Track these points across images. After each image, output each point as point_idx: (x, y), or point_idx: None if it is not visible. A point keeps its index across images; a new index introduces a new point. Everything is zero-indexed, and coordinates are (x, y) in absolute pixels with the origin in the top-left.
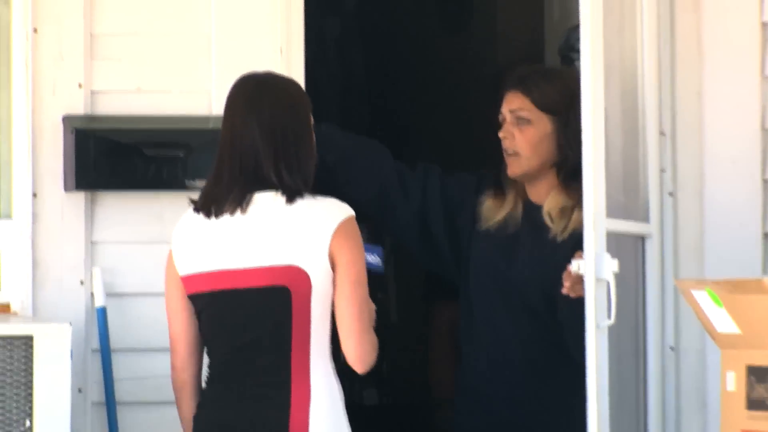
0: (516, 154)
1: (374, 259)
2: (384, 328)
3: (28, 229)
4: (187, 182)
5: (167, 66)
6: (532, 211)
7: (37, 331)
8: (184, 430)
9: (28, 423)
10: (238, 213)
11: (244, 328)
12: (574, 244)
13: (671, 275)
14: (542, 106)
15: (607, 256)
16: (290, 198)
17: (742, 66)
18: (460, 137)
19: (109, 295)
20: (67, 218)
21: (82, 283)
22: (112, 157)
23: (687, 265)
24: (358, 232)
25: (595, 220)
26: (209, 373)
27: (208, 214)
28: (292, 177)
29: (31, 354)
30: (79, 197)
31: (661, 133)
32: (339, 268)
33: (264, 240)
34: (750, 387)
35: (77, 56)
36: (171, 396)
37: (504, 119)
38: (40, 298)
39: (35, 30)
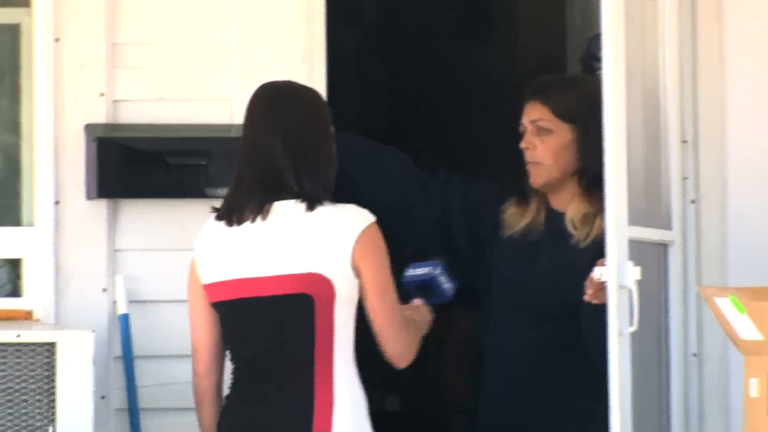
0: (538, 163)
1: (449, 287)
2: None
3: (51, 236)
4: (209, 190)
5: (189, 75)
6: (555, 218)
7: (60, 338)
8: None
9: (51, 430)
10: (259, 220)
11: (267, 336)
12: (597, 251)
13: (694, 282)
14: (562, 115)
15: (629, 264)
16: (310, 205)
17: (764, 74)
18: (481, 146)
19: (132, 302)
20: (90, 226)
21: (104, 290)
22: (133, 165)
23: (709, 273)
24: (381, 238)
25: (618, 227)
26: (233, 380)
27: (229, 222)
28: (312, 184)
29: (54, 361)
30: (101, 205)
31: (684, 141)
32: (364, 277)
33: (286, 248)
34: None
35: (99, 65)
36: (193, 402)
37: (525, 130)
38: (62, 305)
39: (57, 39)
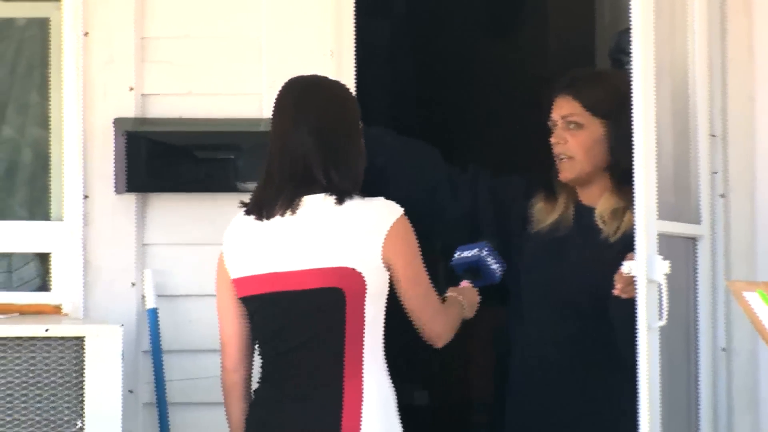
0: (569, 158)
1: (497, 268)
2: None
3: (80, 231)
4: (238, 184)
5: (218, 69)
6: (584, 213)
7: (89, 332)
8: (231, 430)
9: (79, 424)
10: (289, 215)
11: (298, 330)
12: (625, 245)
13: (722, 277)
14: (593, 109)
15: (658, 258)
16: (340, 199)
17: None
18: (510, 141)
19: (160, 296)
20: (118, 220)
21: (133, 284)
22: (162, 159)
23: (738, 267)
24: (411, 229)
25: (647, 221)
26: (261, 374)
27: (259, 217)
28: (341, 178)
29: (83, 355)
30: (130, 199)
31: (713, 135)
32: (396, 269)
33: (316, 241)
34: None
35: (128, 59)
36: (222, 397)
37: (555, 124)
38: (91, 299)
39: (86, 34)
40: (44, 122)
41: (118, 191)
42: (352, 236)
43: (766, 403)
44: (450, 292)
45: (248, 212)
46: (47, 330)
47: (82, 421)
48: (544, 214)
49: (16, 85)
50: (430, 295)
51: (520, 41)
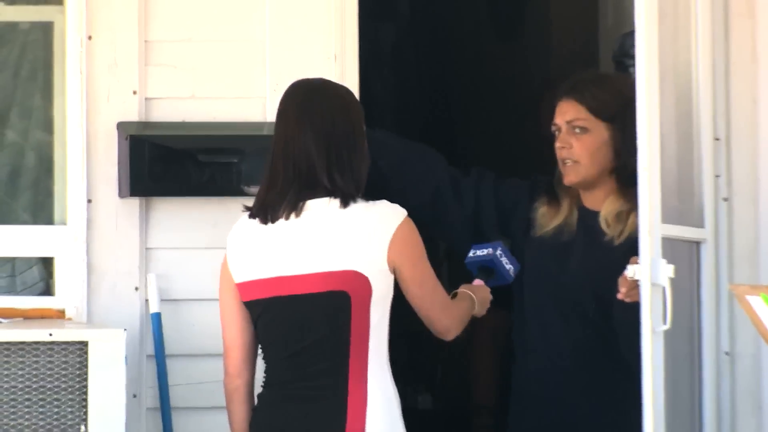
0: (574, 162)
1: (510, 269)
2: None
3: (83, 235)
4: (242, 188)
5: (221, 72)
6: (587, 217)
7: (92, 336)
8: None
9: (83, 428)
10: (293, 218)
11: (303, 334)
12: (630, 249)
13: (726, 280)
14: (598, 113)
15: (662, 262)
16: (344, 202)
17: None
18: (513, 144)
19: (164, 300)
20: (122, 224)
21: (136, 289)
22: (166, 163)
23: (741, 270)
24: (415, 231)
25: (651, 225)
26: (266, 378)
27: (263, 220)
28: (344, 181)
29: (86, 360)
30: (134, 203)
31: (716, 139)
32: (402, 272)
33: (321, 245)
34: None
35: (131, 63)
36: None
37: (559, 129)
38: (94, 303)
39: (90, 37)
40: (48, 126)
41: (121, 195)
42: (357, 240)
43: None
44: (461, 289)
45: (252, 216)
46: (51, 334)
47: (86, 426)
48: (548, 219)
49: (19, 89)
50: (438, 293)
51: (523, 44)
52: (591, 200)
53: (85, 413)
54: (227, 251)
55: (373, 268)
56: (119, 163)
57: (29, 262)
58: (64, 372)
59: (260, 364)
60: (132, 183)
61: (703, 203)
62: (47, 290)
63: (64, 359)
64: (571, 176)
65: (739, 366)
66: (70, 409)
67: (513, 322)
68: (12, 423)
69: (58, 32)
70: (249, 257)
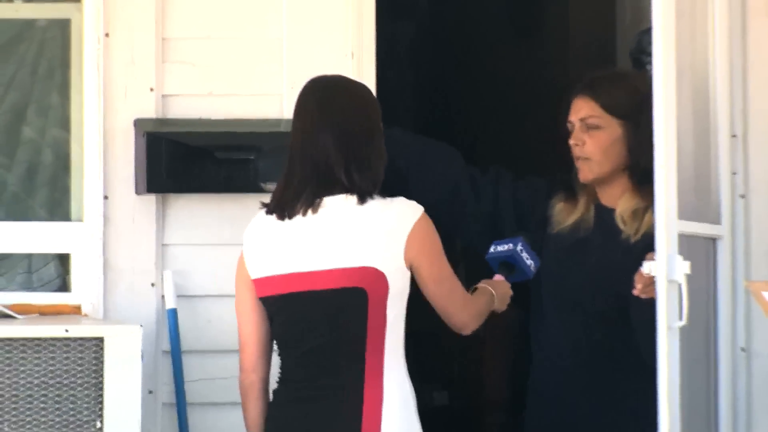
0: (587, 159)
1: (531, 264)
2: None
3: (100, 231)
4: (258, 185)
5: (238, 69)
6: (604, 214)
7: (108, 332)
8: (248, 430)
9: (98, 424)
10: (310, 214)
11: (319, 330)
12: (646, 245)
13: (742, 277)
14: (612, 110)
15: (679, 258)
16: (361, 199)
17: None
18: (532, 141)
19: (180, 297)
20: (138, 221)
21: (153, 285)
22: (183, 160)
23: (758, 267)
24: (432, 228)
25: (667, 222)
26: (281, 375)
27: (280, 216)
28: (362, 178)
29: (102, 356)
30: (150, 200)
31: (733, 136)
32: (419, 269)
33: (338, 241)
34: None
35: (149, 60)
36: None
37: (573, 126)
38: (110, 300)
39: (107, 35)
40: (65, 123)
41: (138, 192)
42: (374, 236)
43: None
44: (481, 284)
45: (269, 212)
46: (67, 330)
47: (102, 422)
48: (565, 215)
49: (37, 87)
50: (456, 290)
51: (541, 41)
52: (607, 197)
53: (101, 409)
54: (244, 247)
55: (390, 264)
56: (136, 160)
57: (46, 258)
58: (79, 368)
59: (275, 361)
60: (149, 180)
61: (719, 200)
62: (63, 287)
63: (80, 355)
64: (585, 173)
65: (755, 363)
66: (85, 405)
67: (527, 320)
68: (28, 419)
69: (76, 29)
70: (265, 253)
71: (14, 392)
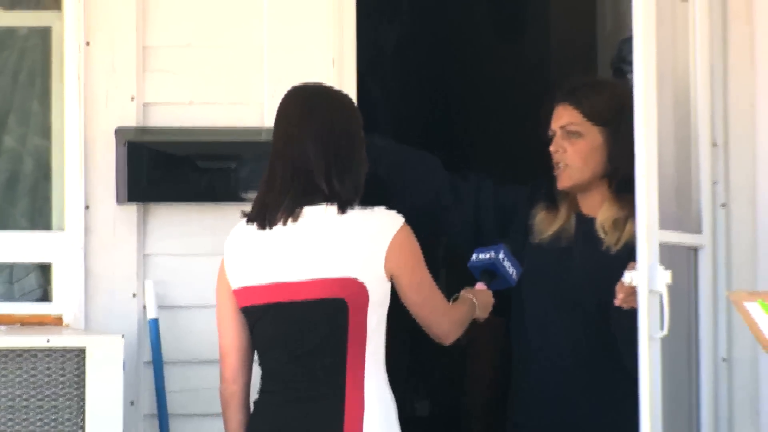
0: (567, 166)
1: (513, 272)
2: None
3: (81, 241)
4: (239, 194)
5: (219, 78)
6: (585, 223)
7: (90, 343)
8: None
9: None
10: (291, 224)
11: (300, 340)
12: (628, 255)
13: (724, 286)
14: (592, 117)
15: (660, 268)
16: (341, 208)
17: None
18: (513, 148)
19: (162, 307)
20: (120, 230)
21: (134, 295)
22: (164, 169)
23: (740, 277)
24: (413, 237)
25: (648, 231)
26: (262, 385)
27: (261, 226)
28: (343, 186)
29: (84, 366)
30: (132, 209)
31: (714, 145)
32: (400, 278)
33: (318, 252)
34: None
35: (129, 69)
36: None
37: (553, 134)
38: (92, 310)
39: (88, 43)
40: (45, 132)
41: (119, 201)
42: (354, 247)
43: (766, 413)
44: (463, 292)
45: (250, 220)
46: (48, 341)
47: None
48: (546, 225)
49: (17, 95)
50: (437, 299)
51: (521, 49)
52: (587, 206)
53: (83, 420)
54: (224, 257)
55: (370, 274)
56: (117, 169)
57: (27, 268)
58: (61, 378)
59: (256, 371)
60: (130, 189)
61: (700, 209)
62: (45, 296)
63: (61, 366)
64: (564, 180)
65: (736, 372)
66: (67, 416)
67: (510, 329)
68: (9, 430)
69: (56, 38)
70: (246, 263)
71: None
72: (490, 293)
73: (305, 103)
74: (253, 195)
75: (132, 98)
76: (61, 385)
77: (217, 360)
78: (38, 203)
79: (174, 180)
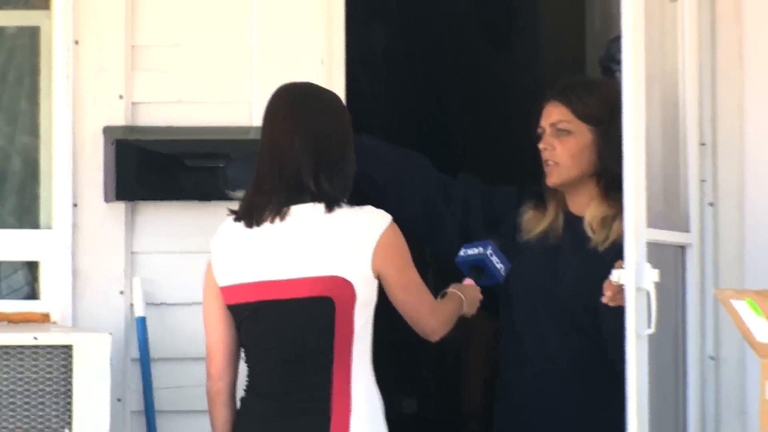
0: (555, 163)
1: (501, 268)
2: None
3: (69, 239)
4: (228, 193)
5: (208, 77)
6: (573, 222)
7: (77, 340)
8: None
9: None
10: (278, 222)
11: (286, 339)
12: (616, 254)
13: (711, 285)
14: (583, 116)
15: (647, 266)
16: (329, 207)
17: None
18: (502, 148)
19: (149, 304)
20: (108, 228)
21: (122, 293)
22: (152, 167)
23: (727, 275)
24: (400, 236)
25: (636, 230)
26: (248, 382)
27: (248, 224)
28: (331, 185)
29: (71, 363)
30: (120, 208)
31: (702, 144)
32: (387, 277)
33: (306, 250)
34: None
35: (118, 68)
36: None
37: (543, 131)
38: (79, 307)
39: (76, 42)
40: (34, 130)
41: (107, 199)
42: (342, 245)
43: (753, 412)
44: (451, 289)
45: (238, 219)
46: (35, 338)
47: (70, 430)
48: (534, 223)
49: (5, 94)
50: (424, 297)
51: (510, 49)
52: (576, 205)
53: (70, 417)
54: (212, 254)
55: (357, 273)
56: (105, 167)
57: (14, 266)
58: (48, 376)
59: (242, 368)
60: (118, 187)
61: (688, 208)
62: (32, 294)
63: (48, 363)
64: (552, 177)
65: (723, 370)
66: (54, 413)
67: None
68: None
69: (45, 37)
70: (233, 261)
71: None
72: (477, 289)
73: (293, 102)
74: (241, 193)
75: (120, 97)
76: (48, 383)
77: (204, 357)
78: (26, 201)
79: (162, 178)
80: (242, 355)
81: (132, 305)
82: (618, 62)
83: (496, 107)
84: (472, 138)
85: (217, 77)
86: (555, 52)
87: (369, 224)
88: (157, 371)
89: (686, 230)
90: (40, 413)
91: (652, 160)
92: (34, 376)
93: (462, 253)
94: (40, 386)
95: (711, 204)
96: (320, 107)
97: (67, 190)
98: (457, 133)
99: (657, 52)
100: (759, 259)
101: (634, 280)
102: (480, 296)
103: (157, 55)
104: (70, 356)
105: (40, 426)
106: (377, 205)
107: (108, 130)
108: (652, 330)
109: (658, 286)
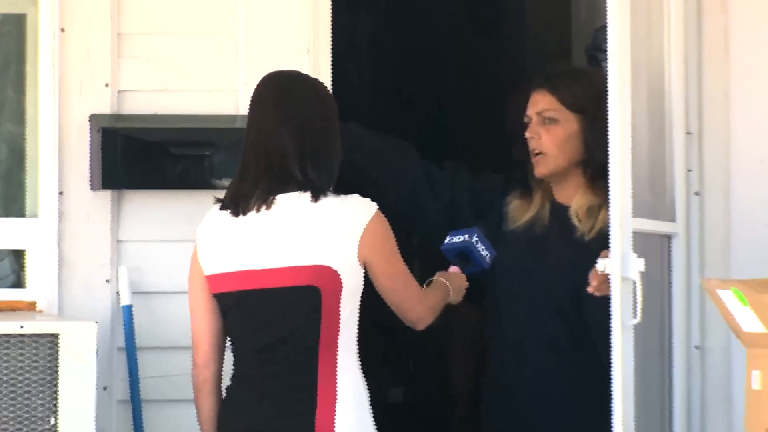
0: (543, 153)
1: (486, 255)
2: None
3: (55, 227)
4: (214, 181)
5: (194, 65)
6: (559, 211)
7: (63, 329)
8: (201, 426)
9: (53, 420)
10: (264, 210)
11: (272, 328)
12: (602, 243)
13: (697, 274)
14: (569, 105)
15: (633, 256)
16: (315, 196)
17: None
18: (488, 137)
19: (135, 293)
20: (94, 217)
21: (108, 281)
22: (138, 156)
23: (713, 265)
24: (386, 225)
25: (622, 219)
26: (234, 372)
27: (234, 212)
28: (317, 174)
29: (57, 352)
30: (106, 196)
31: (688, 133)
32: (373, 266)
33: (292, 239)
34: None
35: (104, 55)
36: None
37: (530, 120)
38: (65, 296)
39: (62, 29)
40: (20, 118)
41: (93, 188)
42: (328, 234)
43: (739, 401)
44: (437, 277)
45: (223, 207)
46: (21, 327)
47: (56, 418)
48: (520, 212)
49: None
50: (410, 285)
51: (496, 37)
52: (562, 194)
53: (56, 405)
54: (197, 243)
55: (343, 262)
56: (91, 155)
57: (0, 254)
58: (34, 364)
59: (228, 357)
60: (104, 175)
61: (674, 197)
62: (18, 282)
63: (34, 351)
64: (540, 167)
65: (709, 360)
66: (40, 401)
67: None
68: None
69: (31, 24)
70: (219, 249)
71: None
72: (463, 277)
73: (279, 91)
74: (227, 182)
75: (107, 85)
76: (34, 371)
77: (190, 346)
78: (12, 189)
79: (148, 167)
80: (228, 344)
81: (118, 294)
82: (604, 51)
83: (482, 95)
84: (459, 126)
85: (203, 66)
86: (541, 41)
87: (355, 213)
88: (143, 360)
89: (672, 220)
90: (26, 402)
91: (638, 149)
92: (20, 364)
93: (447, 240)
94: (26, 375)
95: (697, 193)
96: (306, 96)
97: (53, 178)
98: (444, 121)
99: (643, 41)
100: (745, 249)
101: (619, 269)
102: (466, 284)
103: (143, 43)
104: (56, 345)
105: (26, 414)
106: (363, 194)
107: (94, 118)
108: (637, 320)
109: (644, 275)
